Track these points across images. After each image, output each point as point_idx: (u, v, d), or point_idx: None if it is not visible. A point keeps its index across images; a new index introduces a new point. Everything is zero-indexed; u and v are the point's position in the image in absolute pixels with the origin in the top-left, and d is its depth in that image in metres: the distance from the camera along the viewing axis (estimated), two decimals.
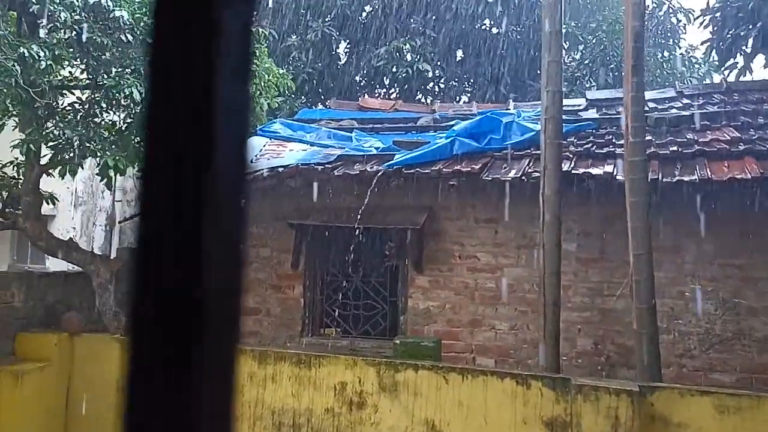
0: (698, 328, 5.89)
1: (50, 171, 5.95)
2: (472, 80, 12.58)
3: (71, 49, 5.37)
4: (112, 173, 5.68)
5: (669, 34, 12.76)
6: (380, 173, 6.31)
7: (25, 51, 4.86)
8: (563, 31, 6.14)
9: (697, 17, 10.40)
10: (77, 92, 6.12)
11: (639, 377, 4.99)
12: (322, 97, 12.29)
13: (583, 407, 4.44)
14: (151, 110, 0.38)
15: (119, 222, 10.45)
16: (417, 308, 6.63)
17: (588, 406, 4.43)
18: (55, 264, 8.43)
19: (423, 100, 12.39)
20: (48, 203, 6.35)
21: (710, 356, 5.85)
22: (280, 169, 6.63)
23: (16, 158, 5.73)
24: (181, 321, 0.38)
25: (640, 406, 4.37)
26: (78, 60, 5.63)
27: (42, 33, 5.44)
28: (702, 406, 4.37)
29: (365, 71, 12.07)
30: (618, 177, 5.60)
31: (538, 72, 10.84)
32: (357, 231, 6.57)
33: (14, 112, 5.50)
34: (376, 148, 6.98)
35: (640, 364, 5.09)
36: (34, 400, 5.41)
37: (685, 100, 7.55)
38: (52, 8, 5.10)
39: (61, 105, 5.95)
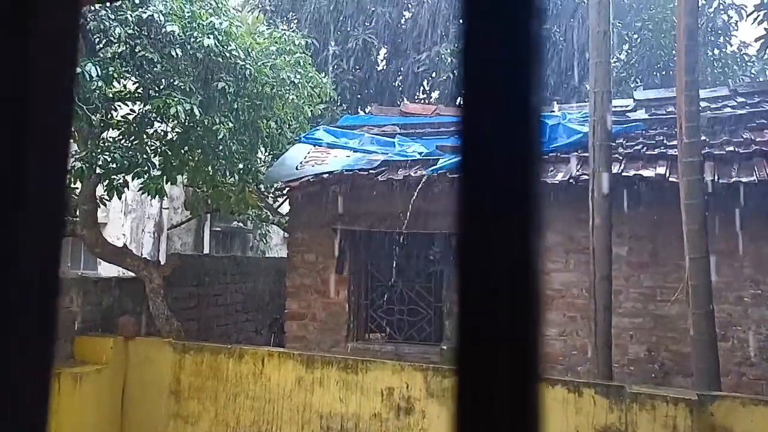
0: (759, 335, 5.65)
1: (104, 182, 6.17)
2: None
3: (124, 63, 5.55)
4: (154, 191, 5.82)
5: (720, 32, 12.34)
6: (424, 178, 6.30)
7: (79, 69, 5.06)
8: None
9: (750, 13, 10.06)
10: (130, 103, 6.33)
11: (696, 386, 4.82)
12: (363, 103, 12.37)
13: (638, 416, 4.32)
14: (469, 112, 0.38)
15: (168, 229, 10.74)
16: None
17: (644, 415, 4.30)
18: (106, 269, 8.72)
19: None
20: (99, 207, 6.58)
21: None
22: (325, 176, 6.70)
23: (72, 167, 5.94)
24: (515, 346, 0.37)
25: (699, 415, 4.22)
26: (130, 74, 5.82)
27: (97, 48, 5.65)
28: (766, 416, 4.18)
29: (405, 77, 12.09)
30: (671, 179, 5.44)
31: (581, 73, 10.65)
32: (401, 236, 6.57)
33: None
34: (420, 153, 6.97)
35: (696, 372, 4.91)
36: (91, 401, 5.60)
37: (740, 99, 7.28)
38: (107, 24, 5.29)
39: (116, 117, 6.16)
